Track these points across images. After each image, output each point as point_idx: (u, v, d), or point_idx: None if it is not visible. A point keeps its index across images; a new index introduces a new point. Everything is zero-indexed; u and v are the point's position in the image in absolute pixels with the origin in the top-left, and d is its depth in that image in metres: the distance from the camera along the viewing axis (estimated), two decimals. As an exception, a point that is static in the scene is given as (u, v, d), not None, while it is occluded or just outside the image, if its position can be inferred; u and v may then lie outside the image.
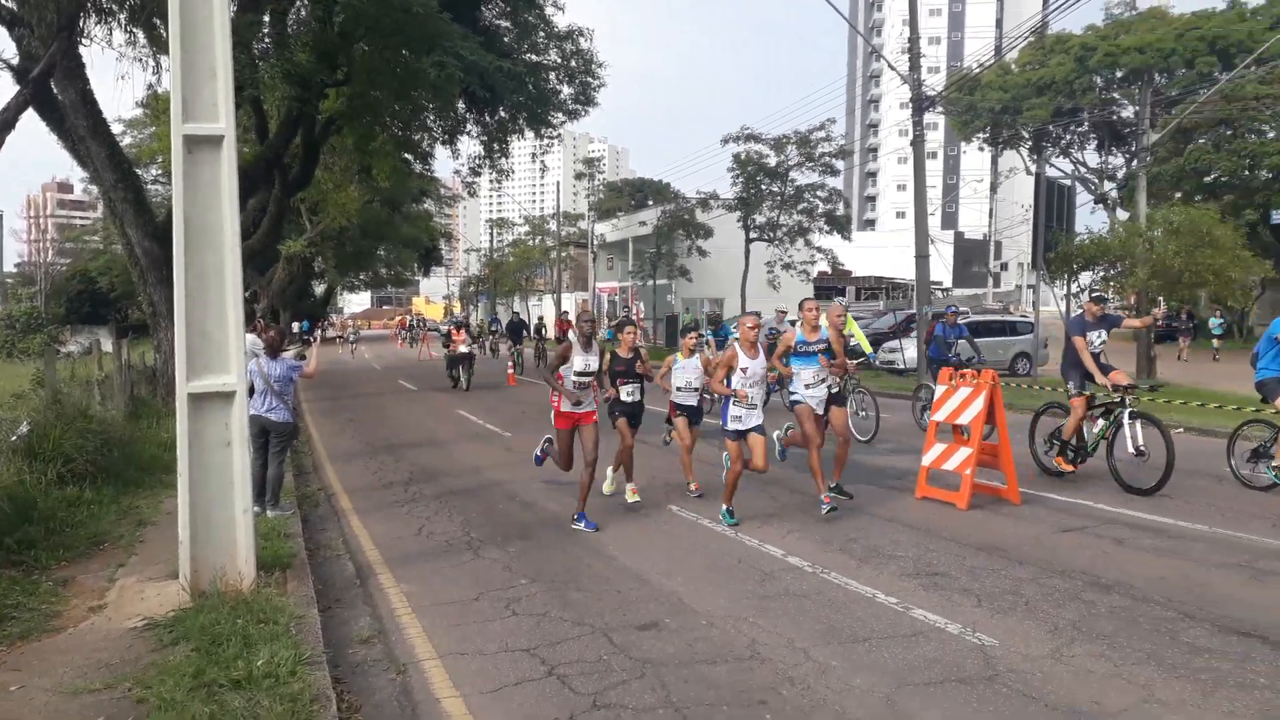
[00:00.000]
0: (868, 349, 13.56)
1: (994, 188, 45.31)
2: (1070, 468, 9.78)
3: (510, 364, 25.62)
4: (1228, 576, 6.38)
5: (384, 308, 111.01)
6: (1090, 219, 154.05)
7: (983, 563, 6.77)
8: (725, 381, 8.03)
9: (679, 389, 9.45)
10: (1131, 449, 9.03)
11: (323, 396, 21.43)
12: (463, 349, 22.18)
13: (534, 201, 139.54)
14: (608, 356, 8.77)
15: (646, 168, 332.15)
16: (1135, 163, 25.96)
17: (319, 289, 62.74)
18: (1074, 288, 21.33)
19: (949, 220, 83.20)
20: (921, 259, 19.91)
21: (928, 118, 23.01)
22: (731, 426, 8.02)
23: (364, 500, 9.63)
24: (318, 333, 28.84)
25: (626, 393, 8.88)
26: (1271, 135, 34.94)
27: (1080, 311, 10.37)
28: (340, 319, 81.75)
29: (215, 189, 5.96)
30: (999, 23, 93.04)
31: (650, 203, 54.49)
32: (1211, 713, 4.26)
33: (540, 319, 34.97)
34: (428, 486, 10.23)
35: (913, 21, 19.71)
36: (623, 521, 8.34)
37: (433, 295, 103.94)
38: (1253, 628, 5.33)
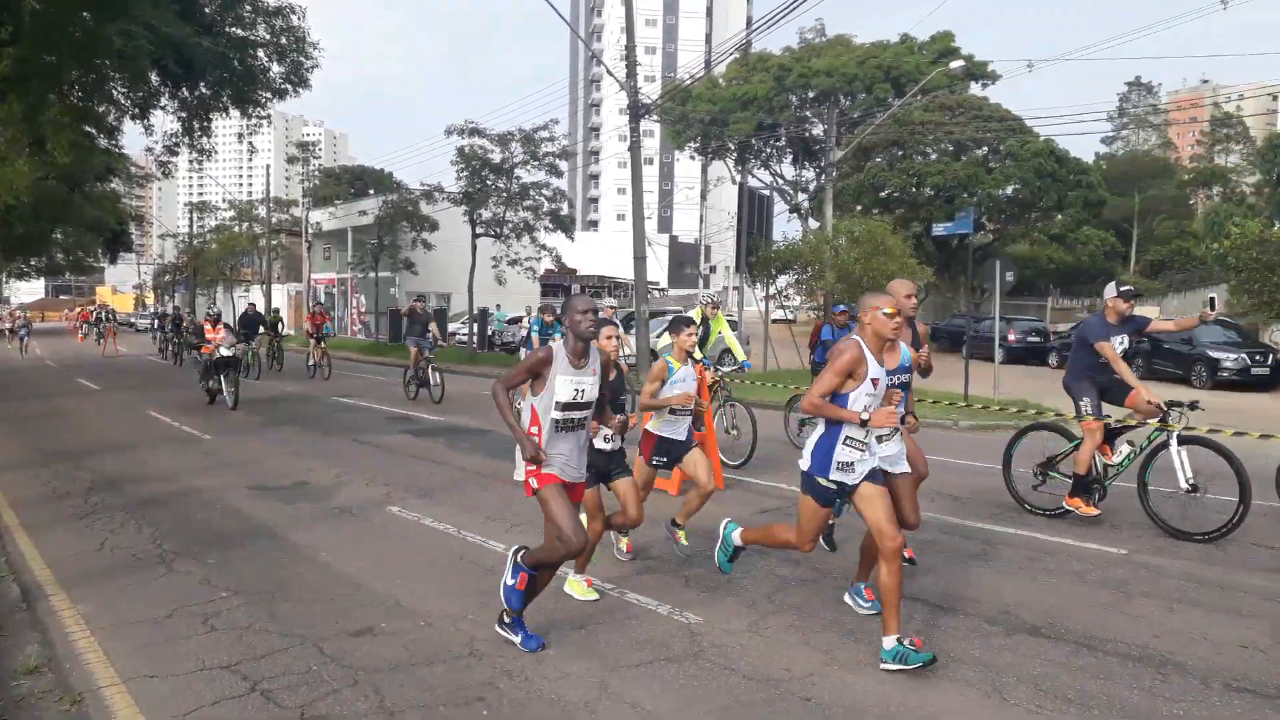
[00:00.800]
0: (741, 356, 12.43)
1: (704, 195, 48.30)
2: (1094, 510, 7.77)
3: None
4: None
5: (62, 298, 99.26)
6: (787, 227, 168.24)
7: (691, 545, 7.20)
8: (841, 404, 4.73)
9: (672, 413, 6.65)
10: (1184, 484, 7.34)
11: (-20, 399, 18.73)
12: (224, 351, 16.57)
13: (241, 185, 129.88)
14: (612, 374, 5.77)
15: (368, 155, 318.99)
16: (824, 177, 28.64)
17: (-21, 277, 54.76)
18: (772, 289, 23.22)
19: (665, 224, 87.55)
20: (639, 260, 20.75)
21: (645, 125, 24.04)
22: (835, 478, 4.80)
23: (34, 514, 8.53)
24: None
25: (604, 437, 5.87)
26: (934, 157, 39.95)
27: (1100, 313, 8.07)
28: (8, 310, 71.46)
29: None
30: (708, 38, 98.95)
31: (371, 192, 52.57)
32: (878, 668, 4.80)
33: (276, 311, 31.46)
34: (112, 496, 9.25)
35: (629, 31, 20.48)
36: (337, 525, 8.03)
37: (121, 285, 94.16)
38: (916, 592, 6.08)
